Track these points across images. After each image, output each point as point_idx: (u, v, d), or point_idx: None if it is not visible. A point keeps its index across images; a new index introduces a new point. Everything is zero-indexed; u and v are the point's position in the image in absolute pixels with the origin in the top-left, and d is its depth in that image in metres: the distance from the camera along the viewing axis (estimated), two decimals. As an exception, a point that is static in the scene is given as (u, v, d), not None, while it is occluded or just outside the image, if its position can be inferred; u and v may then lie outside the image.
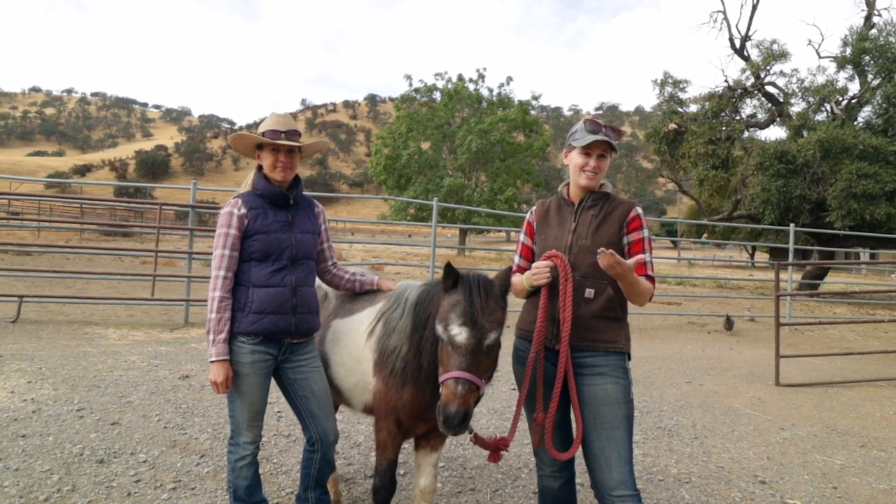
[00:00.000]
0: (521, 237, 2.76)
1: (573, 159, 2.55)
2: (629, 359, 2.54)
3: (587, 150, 2.50)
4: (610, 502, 2.38)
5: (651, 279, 2.45)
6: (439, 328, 2.31)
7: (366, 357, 2.80)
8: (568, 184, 2.64)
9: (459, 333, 2.24)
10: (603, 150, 2.50)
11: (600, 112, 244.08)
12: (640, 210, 2.52)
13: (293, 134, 2.71)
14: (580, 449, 2.49)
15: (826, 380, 7.66)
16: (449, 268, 2.36)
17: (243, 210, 2.67)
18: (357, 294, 3.14)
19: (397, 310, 2.74)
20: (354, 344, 2.89)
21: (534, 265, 2.50)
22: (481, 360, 2.27)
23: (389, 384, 2.65)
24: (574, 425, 2.55)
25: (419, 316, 2.61)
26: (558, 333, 2.43)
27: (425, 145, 37.66)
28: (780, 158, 17.29)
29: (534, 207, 2.77)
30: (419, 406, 2.60)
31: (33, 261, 14.45)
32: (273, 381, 2.83)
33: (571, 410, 2.51)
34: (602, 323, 2.45)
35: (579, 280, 2.44)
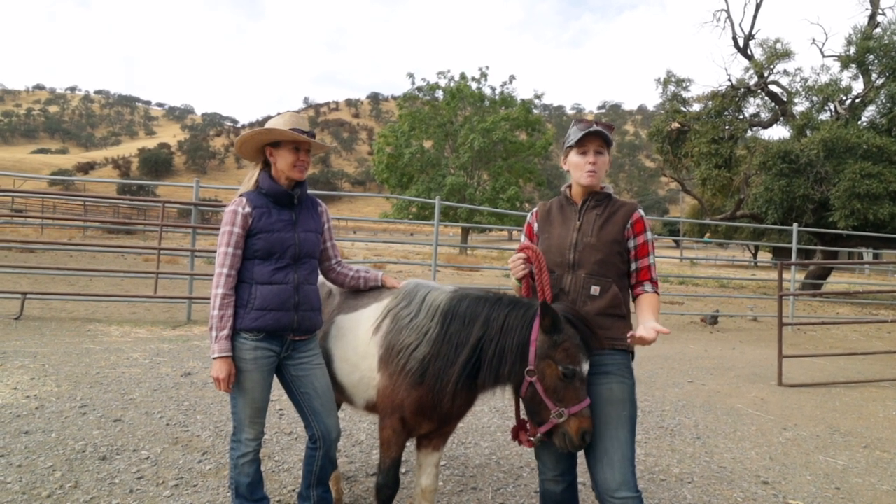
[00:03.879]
0: (522, 239, 2.83)
1: (572, 160, 2.58)
2: (633, 358, 2.55)
3: (583, 149, 2.54)
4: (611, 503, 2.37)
5: (654, 283, 2.55)
6: (574, 368, 2.30)
7: (371, 352, 2.77)
8: (570, 185, 2.68)
9: (586, 368, 2.36)
10: (598, 145, 2.52)
11: (603, 111, 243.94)
12: (642, 212, 2.56)
13: (311, 134, 2.74)
14: (581, 450, 2.48)
15: (829, 380, 7.64)
16: (549, 308, 2.31)
17: (248, 209, 2.67)
18: (361, 291, 3.14)
19: (409, 307, 2.71)
20: (359, 339, 2.86)
21: (510, 259, 2.63)
22: None
23: (397, 381, 2.62)
24: None
25: (459, 332, 2.51)
26: None
27: (428, 144, 37.65)
28: (783, 158, 17.25)
29: (535, 209, 2.82)
30: (426, 406, 2.58)
31: (36, 258, 14.48)
32: (276, 379, 2.83)
33: None
34: (608, 320, 2.46)
35: (585, 277, 2.48)
